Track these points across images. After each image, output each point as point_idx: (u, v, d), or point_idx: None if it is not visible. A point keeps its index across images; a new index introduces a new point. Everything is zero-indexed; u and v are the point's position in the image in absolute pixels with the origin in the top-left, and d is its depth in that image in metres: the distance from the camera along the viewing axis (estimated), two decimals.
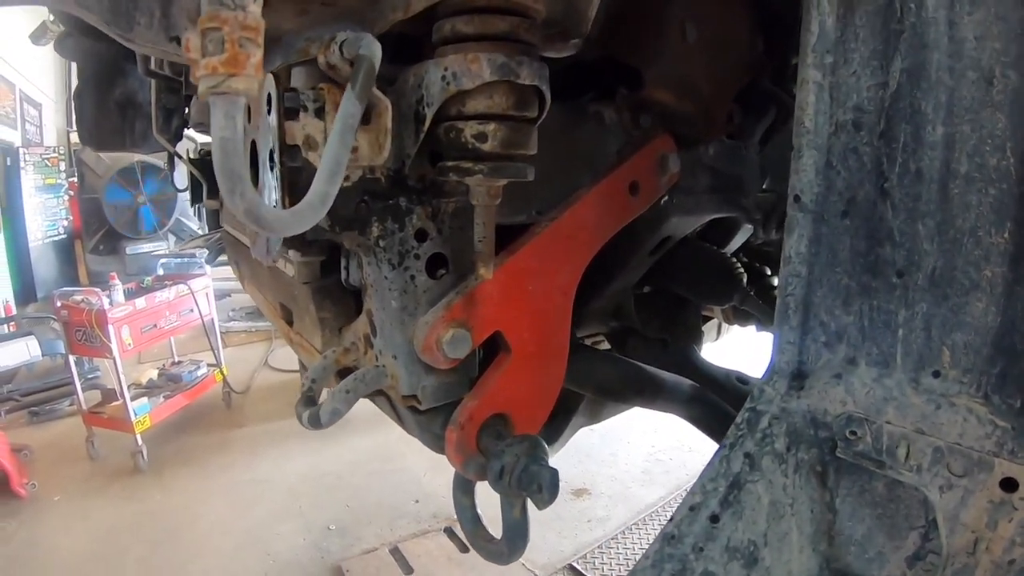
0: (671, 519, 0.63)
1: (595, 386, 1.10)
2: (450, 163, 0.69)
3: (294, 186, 0.62)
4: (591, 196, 0.90)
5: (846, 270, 0.65)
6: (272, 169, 0.62)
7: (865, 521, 0.68)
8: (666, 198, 1.05)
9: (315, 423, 0.80)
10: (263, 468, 3.79)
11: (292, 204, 0.54)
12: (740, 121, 1.18)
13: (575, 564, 2.82)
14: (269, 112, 0.61)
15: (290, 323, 1.28)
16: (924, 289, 0.59)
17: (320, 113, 0.70)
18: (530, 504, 0.84)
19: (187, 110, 2.05)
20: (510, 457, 0.77)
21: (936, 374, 0.59)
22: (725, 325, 1.69)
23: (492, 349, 0.86)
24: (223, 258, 2.51)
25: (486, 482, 0.83)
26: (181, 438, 4.24)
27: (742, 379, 1.29)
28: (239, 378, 5.08)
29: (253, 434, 4.22)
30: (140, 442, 3.77)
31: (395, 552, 3.00)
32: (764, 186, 1.24)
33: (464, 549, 2.98)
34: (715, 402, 1.20)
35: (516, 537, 0.83)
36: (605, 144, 0.99)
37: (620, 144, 1.00)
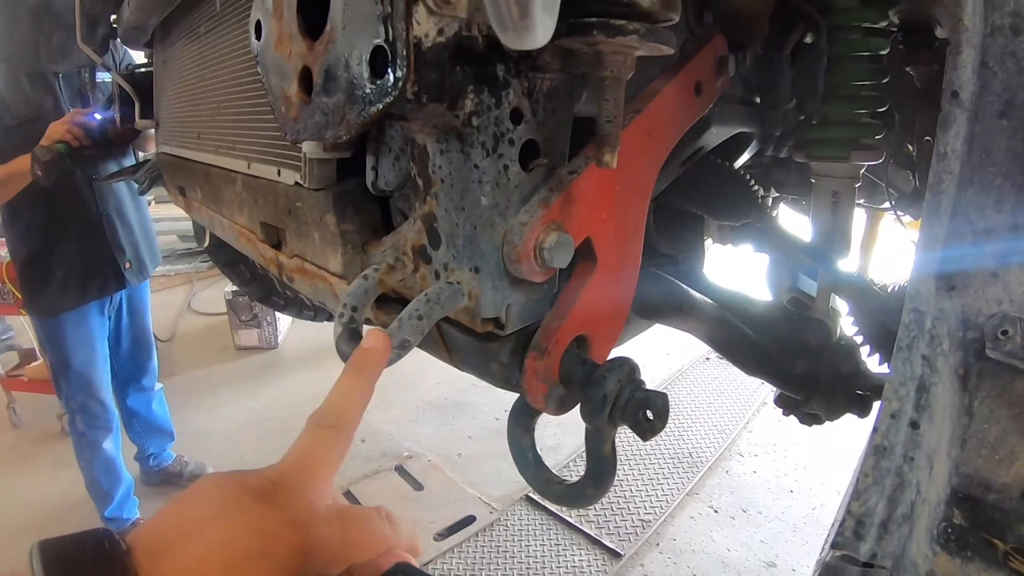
0: (874, 428, 0.54)
1: (638, 302, 0.97)
2: (595, 19, 0.50)
3: None
4: (668, 90, 0.76)
5: (1000, 170, 0.58)
6: None
7: (1000, 422, 0.63)
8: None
9: None
10: (199, 419, 3.47)
11: None
12: (767, 33, 1.06)
13: (531, 494, 2.78)
14: None
15: (275, 247, 1.06)
16: None
17: None
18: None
19: (113, 18, 1.70)
20: (612, 384, 0.62)
21: None
22: (710, 243, 1.61)
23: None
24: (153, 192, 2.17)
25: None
26: None
27: (748, 301, 1.22)
28: (162, 325, 4.63)
29: (184, 383, 3.84)
30: None
31: (348, 495, 2.84)
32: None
33: (418, 487, 2.86)
34: (736, 324, 1.11)
35: (604, 474, 0.69)
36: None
37: (683, 40, 0.86)
